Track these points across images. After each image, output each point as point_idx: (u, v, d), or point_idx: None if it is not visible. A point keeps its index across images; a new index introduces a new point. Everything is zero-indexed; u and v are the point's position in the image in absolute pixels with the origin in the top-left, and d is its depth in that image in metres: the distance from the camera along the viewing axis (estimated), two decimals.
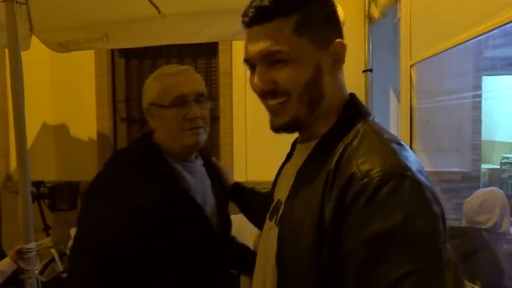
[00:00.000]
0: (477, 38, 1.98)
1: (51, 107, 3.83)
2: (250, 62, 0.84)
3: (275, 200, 0.94)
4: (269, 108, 0.85)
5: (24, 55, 3.07)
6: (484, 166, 5.03)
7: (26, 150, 1.81)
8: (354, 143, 0.77)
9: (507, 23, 1.68)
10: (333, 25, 0.85)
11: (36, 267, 1.87)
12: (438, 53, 2.26)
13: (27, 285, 1.79)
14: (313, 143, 0.85)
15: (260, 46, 0.81)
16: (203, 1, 2.58)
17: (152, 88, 1.27)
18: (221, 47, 3.69)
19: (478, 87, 3.73)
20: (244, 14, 0.83)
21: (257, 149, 3.61)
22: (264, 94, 0.84)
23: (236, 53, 3.61)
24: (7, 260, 2.03)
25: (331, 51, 0.83)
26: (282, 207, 0.87)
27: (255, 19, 0.82)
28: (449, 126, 3.82)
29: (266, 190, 2.94)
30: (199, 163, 1.37)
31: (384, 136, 0.78)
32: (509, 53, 3.70)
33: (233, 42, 3.59)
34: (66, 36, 2.95)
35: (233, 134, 3.71)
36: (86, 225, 1.14)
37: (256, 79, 0.83)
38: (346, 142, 0.78)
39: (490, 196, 2.14)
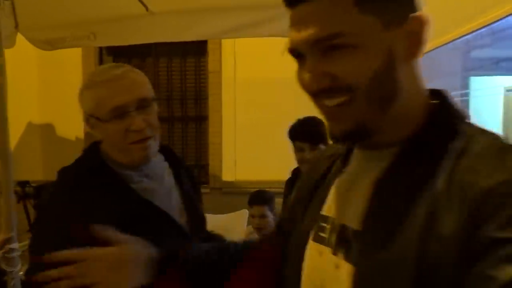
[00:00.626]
0: (464, 37, 2.02)
1: (37, 106, 3.78)
2: (297, 51, 0.64)
3: (333, 223, 0.70)
4: (326, 111, 0.65)
5: (9, 52, 3.05)
6: None
7: (9, 149, 1.77)
8: (474, 149, 0.59)
9: (492, 22, 1.72)
10: None
11: (19, 268, 1.82)
12: (425, 52, 2.28)
13: (10, 287, 1.75)
14: (392, 150, 0.65)
15: (311, 29, 0.61)
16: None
17: (86, 98, 1.14)
18: (210, 46, 3.68)
19: (466, 86, 3.77)
20: None
21: (247, 149, 3.60)
22: (319, 93, 0.63)
23: (226, 52, 3.60)
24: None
25: (407, 29, 0.62)
26: (357, 237, 0.64)
27: None
28: None
29: (256, 189, 2.92)
30: (158, 161, 1.25)
31: (501, 140, 0.61)
32: (495, 53, 3.74)
33: (223, 41, 3.57)
34: (52, 33, 2.92)
35: (222, 133, 3.69)
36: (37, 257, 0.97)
37: (307, 74, 0.63)
38: (457, 148, 0.60)
39: None
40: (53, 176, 2.64)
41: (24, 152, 3.64)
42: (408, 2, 0.62)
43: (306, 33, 0.61)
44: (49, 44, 2.94)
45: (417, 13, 0.61)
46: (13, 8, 2.80)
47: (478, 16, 1.79)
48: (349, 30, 0.59)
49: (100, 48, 3.80)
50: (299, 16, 0.62)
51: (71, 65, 3.71)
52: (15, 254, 1.76)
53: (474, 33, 1.90)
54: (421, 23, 0.61)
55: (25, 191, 3.35)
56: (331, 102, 0.62)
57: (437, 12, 2.21)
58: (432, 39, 2.18)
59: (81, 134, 3.72)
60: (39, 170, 3.67)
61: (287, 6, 0.64)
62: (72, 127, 3.73)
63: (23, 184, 3.35)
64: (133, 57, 3.92)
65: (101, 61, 3.83)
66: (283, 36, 2.75)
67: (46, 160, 3.72)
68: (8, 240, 1.76)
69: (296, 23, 0.63)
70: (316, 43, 0.61)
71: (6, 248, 1.75)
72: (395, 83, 0.62)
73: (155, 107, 1.17)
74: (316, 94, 0.63)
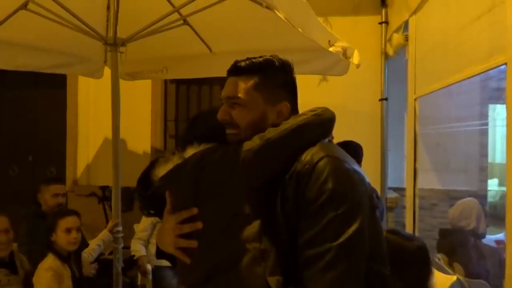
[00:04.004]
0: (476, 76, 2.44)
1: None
2: (223, 99, 1.19)
3: None
4: (227, 136, 1.18)
5: (97, 82, 3.79)
6: (500, 188, 5.38)
7: (119, 160, 2.41)
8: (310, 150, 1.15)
9: (490, 69, 2.15)
10: (286, 90, 1.18)
11: (122, 246, 2.48)
12: (437, 89, 2.78)
13: (115, 259, 2.40)
14: None
15: (228, 91, 1.16)
16: (247, 42, 3.17)
17: None
18: None
19: (485, 115, 4.18)
20: (229, 67, 1.19)
21: None
22: (224, 124, 1.17)
23: None
24: (105, 231, 2.67)
25: (277, 108, 1.16)
26: None
27: (231, 71, 1.18)
28: (459, 149, 4.26)
29: None
30: None
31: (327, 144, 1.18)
32: None
33: None
34: (133, 67, 3.58)
35: None
36: None
37: (221, 111, 1.18)
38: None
39: (468, 204, 2.62)
40: (124, 183, 3.27)
41: (102, 163, 4.37)
42: (286, 93, 1.18)
43: (226, 92, 1.17)
44: (130, 76, 3.65)
45: (284, 103, 1.16)
46: (106, 48, 3.51)
47: (479, 62, 2.22)
48: (243, 97, 1.14)
49: None
50: (228, 82, 1.18)
51: (141, 91, 4.41)
52: (120, 235, 2.43)
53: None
54: (287, 108, 1.17)
55: (105, 195, 4.04)
56: (229, 131, 1.18)
57: (447, 57, 2.67)
58: (442, 80, 2.66)
59: (148, 148, 4.42)
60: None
61: (228, 75, 1.19)
62: (141, 142, 4.42)
63: (104, 188, 4.04)
64: (192, 84, 4.60)
65: (165, 88, 4.54)
66: (312, 74, 3.27)
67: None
68: (116, 225, 2.44)
69: (226, 85, 1.19)
70: (227, 98, 1.17)
71: (114, 230, 2.42)
72: (263, 127, 1.13)
73: None
74: (224, 124, 1.18)
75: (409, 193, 3.12)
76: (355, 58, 2.75)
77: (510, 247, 1.77)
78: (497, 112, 4.42)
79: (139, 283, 3.35)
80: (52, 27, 2.31)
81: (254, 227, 1.05)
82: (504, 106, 1.85)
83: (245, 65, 1.16)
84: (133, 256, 3.28)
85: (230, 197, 1.09)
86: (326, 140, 1.14)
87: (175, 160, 1.20)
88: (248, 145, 1.10)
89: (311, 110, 1.15)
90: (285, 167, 1.07)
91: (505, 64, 1.76)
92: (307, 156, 1.05)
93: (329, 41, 2.58)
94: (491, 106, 4.27)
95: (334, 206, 0.98)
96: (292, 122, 1.12)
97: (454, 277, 2.22)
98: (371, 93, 3.94)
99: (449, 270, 2.33)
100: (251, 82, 1.14)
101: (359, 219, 0.99)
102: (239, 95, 1.14)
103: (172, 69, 3.54)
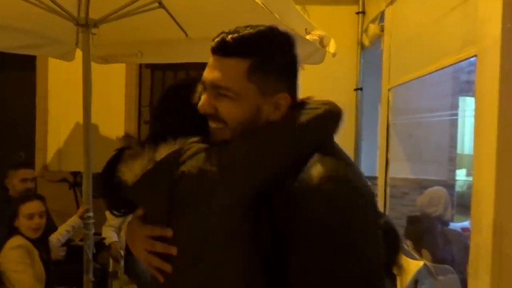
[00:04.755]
0: (446, 68, 2.52)
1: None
2: (203, 84, 0.93)
3: None
4: (210, 128, 0.94)
5: (68, 65, 3.68)
6: (468, 178, 5.56)
7: (90, 146, 2.36)
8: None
9: (464, 59, 2.21)
10: (285, 77, 0.91)
11: (92, 232, 2.44)
12: (411, 80, 2.83)
13: (86, 246, 2.36)
14: None
15: (214, 75, 0.89)
16: (222, 28, 3.14)
17: None
18: None
19: (455, 106, 4.30)
20: (213, 41, 0.90)
21: None
22: (207, 116, 0.92)
23: None
24: (75, 217, 2.63)
25: (274, 100, 0.90)
26: None
27: (216, 49, 0.89)
28: (430, 140, 4.37)
29: None
30: None
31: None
32: None
33: None
34: (106, 50, 3.50)
35: None
36: None
37: (203, 100, 0.92)
38: None
39: (436, 193, 2.72)
40: (96, 169, 3.22)
41: (73, 148, 4.27)
42: (285, 81, 0.92)
43: (209, 76, 0.90)
44: (103, 59, 3.55)
45: (285, 93, 0.91)
46: (78, 29, 3.41)
47: (453, 53, 2.28)
48: (233, 88, 0.88)
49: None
50: (213, 62, 0.90)
51: (115, 76, 4.32)
52: (91, 221, 2.39)
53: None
54: (286, 100, 0.91)
55: (76, 180, 3.96)
56: (213, 125, 0.93)
57: (421, 48, 2.73)
58: (415, 70, 2.73)
59: (121, 134, 4.34)
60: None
61: (211, 52, 0.90)
62: (114, 128, 4.34)
63: (75, 174, 3.96)
64: (167, 70, 4.54)
65: (140, 72, 4.46)
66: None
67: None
68: (86, 210, 2.40)
69: (208, 66, 0.91)
70: (211, 85, 0.90)
71: (85, 216, 2.38)
72: (255, 126, 0.90)
73: None
74: (205, 116, 0.93)
75: (380, 182, 3.19)
76: (331, 47, 2.76)
77: (475, 234, 1.83)
78: (467, 104, 4.55)
79: (110, 269, 3.32)
80: (21, 6, 2.22)
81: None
82: (473, 98, 1.90)
83: (235, 44, 0.88)
84: (103, 239, 3.24)
85: (207, 217, 0.88)
86: (330, 141, 0.94)
87: (144, 159, 0.94)
88: (235, 148, 0.89)
89: (315, 107, 0.92)
90: (279, 175, 0.86)
91: (475, 56, 1.81)
92: (307, 171, 0.83)
93: (306, 29, 2.58)
94: (461, 98, 4.39)
95: (331, 239, 0.81)
96: (294, 118, 0.90)
97: (421, 263, 2.29)
98: (346, 83, 3.98)
99: (417, 256, 2.41)
100: (243, 68, 0.88)
101: (360, 251, 0.82)
102: (228, 84, 0.88)
103: (147, 54, 3.47)
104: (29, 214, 2.36)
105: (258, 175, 0.87)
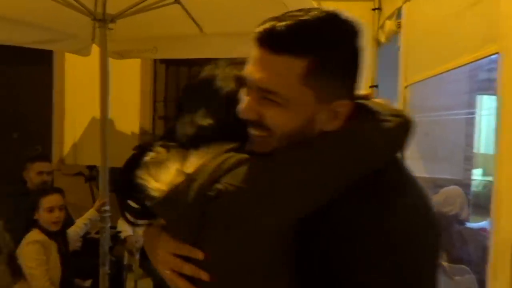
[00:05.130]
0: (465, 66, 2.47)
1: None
2: (249, 84, 0.75)
3: None
4: (251, 135, 0.77)
5: (84, 60, 3.71)
6: (484, 178, 5.47)
7: (106, 141, 2.39)
8: None
9: (482, 58, 2.17)
10: (347, 78, 0.74)
11: (109, 225, 2.47)
12: (428, 77, 2.79)
13: (102, 239, 2.39)
14: None
15: (260, 75, 0.72)
16: (237, 24, 3.14)
17: None
18: None
19: (473, 105, 4.23)
20: (258, 28, 0.72)
21: None
22: (249, 122, 0.76)
23: None
24: (92, 210, 2.66)
25: (332, 108, 0.73)
26: None
27: (265, 41, 0.71)
28: (446, 138, 4.31)
29: None
30: None
31: None
32: None
33: None
34: (122, 46, 3.52)
35: None
36: None
37: (245, 104, 0.75)
38: None
39: (452, 192, 2.68)
40: (111, 163, 3.26)
41: (89, 143, 4.32)
42: (348, 84, 0.74)
43: (255, 75, 0.72)
44: (119, 54, 3.58)
45: (345, 100, 0.73)
46: (94, 24, 3.44)
47: (471, 51, 2.24)
48: (284, 93, 0.71)
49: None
50: (260, 57, 0.72)
51: (130, 70, 4.35)
52: (107, 214, 2.42)
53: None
54: (347, 108, 0.73)
55: (92, 174, 4.01)
56: (254, 132, 0.75)
57: (439, 46, 2.71)
58: (432, 68, 2.70)
59: (136, 129, 4.38)
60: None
61: (256, 43, 0.71)
62: (129, 123, 4.38)
63: (91, 168, 4.01)
64: (182, 65, 4.55)
65: (155, 68, 4.49)
66: None
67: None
68: (103, 204, 2.43)
69: (254, 60, 0.73)
70: (257, 87, 0.73)
71: (102, 209, 2.41)
72: (305, 135, 0.74)
73: None
74: (247, 122, 0.76)
75: None
76: None
77: (495, 234, 1.80)
78: (484, 102, 4.47)
79: (125, 262, 3.35)
80: (38, 1, 2.25)
81: None
82: (491, 96, 1.87)
83: (291, 38, 0.69)
84: (119, 232, 3.28)
85: (245, 242, 0.75)
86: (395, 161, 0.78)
87: (171, 168, 0.80)
88: (283, 163, 0.73)
89: (381, 118, 0.75)
90: (333, 197, 0.71)
91: (498, 53, 1.77)
92: (365, 201, 0.70)
93: None
94: (478, 97, 4.32)
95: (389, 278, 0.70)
96: (356, 132, 0.74)
97: None
98: (362, 80, 3.95)
99: None
100: (299, 69, 0.70)
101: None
102: (278, 88, 0.71)
103: (162, 49, 3.50)
104: (49, 208, 2.40)
105: (309, 199, 0.72)
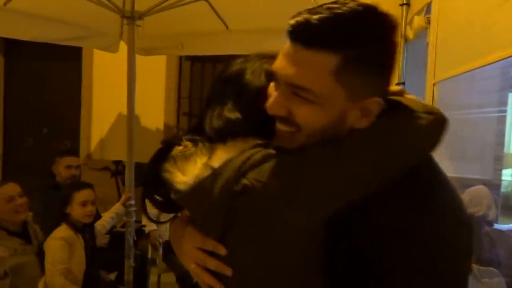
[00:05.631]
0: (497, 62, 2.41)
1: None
2: (279, 79, 0.74)
3: None
4: (278, 130, 0.76)
5: (111, 56, 3.78)
6: None
7: (132, 136, 2.43)
8: None
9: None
10: (380, 75, 0.72)
11: (134, 219, 2.51)
12: (458, 74, 2.71)
13: (127, 232, 2.44)
14: None
15: (291, 71, 0.70)
16: (263, 20, 3.13)
17: None
18: None
19: (504, 103, 4.09)
20: (291, 21, 0.70)
21: None
22: (277, 118, 0.75)
23: None
24: (118, 204, 2.72)
25: (363, 105, 0.71)
26: None
27: (297, 35, 0.69)
28: (475, 137, 4.19)
29: None
30: None
31: None
32: None
33: None
34: (149, 42, 3.57)
35: None
36: None
37: (273, 99, 0.74)
38: None
39: (478, 192, 2.61)
40: (137, 159, 3.30)
41: (116, 138, 4.40)
42: (379, 81, 0.72)
43: (286, 71, 0.71)
44: (146, 51, 3.63)
45: (377, 98, 0.71)
46: (122, 21, 3.49)
47: (502, 48, 2.17)
48: (316, 90, 0.69)
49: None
50: (291, 52, 0.70)
51: (156, 67, 4.41)
52: (132, 208, 2.46)
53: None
54: (377, 106, 0.71)
55: (118, 169, 4.08)
56: (283, 127, 0.75)
57: (469, 41, 2.64)
58: (462, 65, 2.64)
59: (161, 125, 4.44)
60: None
61: (288, 37, 0.70)
62: (154, 119, 4.44)
63: (117, 163, 4.08)
64: (207, 62, 4.58)
65: (180, 64, 4.53)
66: None
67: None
68: (129, 198, 2.47)
69: (285, 55, 0.71)
70: (287, 83, 0.72)
71: (127, 203, 2.45)
72: (335, 133, 0.72)
73: None
74: (275, 117, 0.76)
75: None
76: None
77: None
78: None
79: (149, 256, 3.41)
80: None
81: None
82: None
83: (325, 32, 0.67)
84: (143, 226, 3.33)
85: (271, 240, 0.74)
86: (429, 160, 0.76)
87: (198, 162, 0.79)
88: (313, 159, 0.71)
89: (413, 115, 0.73)
90: (367, 196, 0.70)
91: None
92: (397, 201, 0.69)
93: None
94: (510, 95, 4.18)
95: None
96: (388, 129, 0.72)
97: None
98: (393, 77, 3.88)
99: None
100: (332, 64, 0.68)
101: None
102: (309, 85, 0.70)
103: (188, 46, 3.52)
104: (83, 202, 2.46)
105: (339, 197, 0.71)
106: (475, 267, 2.24)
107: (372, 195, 0.69)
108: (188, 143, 0.84)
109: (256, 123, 0.80)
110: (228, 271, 0.79)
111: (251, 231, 0.75)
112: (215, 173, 0.76)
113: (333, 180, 0.70)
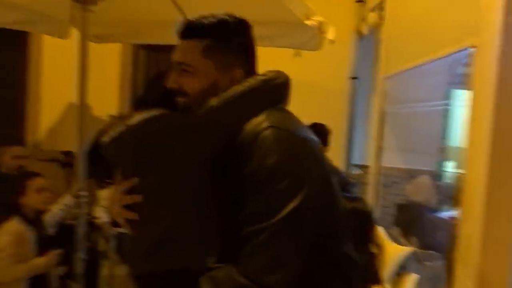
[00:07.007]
0: (441, 58, 2.53)
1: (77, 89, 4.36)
2: (173, 64, 1.09)
3: None
4: (178, 102, 1.10)
5: (62, 43, 3.61)
6: (455, 170, 5.62)
7: (84, 127, 2.34)
8: None
9: (459, 51, 2.23)
10: (240, 54, 1.08)
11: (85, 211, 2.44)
12: (407, 69, 2.85)
13: (78, 225, 2.36)
14: None
15: (178, 55, 1.07)
16: (221, 11, 3.12)
17: None
18: None
19: (447, 98, 4.32)
20: (179, 26, 1.09)
21: None
22: (173, 91, 1.09)
23: None
24: (67, 195, 2.63)
25: (231, 75, 1.07)
26: None
27: (181, 33, 1.08)
28: (420, 130, 4.40)
29: None
30: None
31: None
32: None
33: None
34: (103, 29, 3.43)
35: None
36: None
37: (170, 78, 1.09)
38: None
39: (421, 181, 2.80)
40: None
41: (65, 128, 4.22)
42: (242, 58, 1.09)
43: (176, 55, 1.09)
44: (99, 38, 3.49)
45: (240, 69, 1.08)
46: (73, 5, 3.33)
47: (448, 45, 2.30)
48: (191, 64, 1.06)
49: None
50: (179, 44, 1.09)
51: (110, 55, 4.25)
52: (83, 199, 2.38)
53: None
54: (240, 75, 1.08)
55: (68, 160, 3.91)
56: (179, 100, 1.09)
57: (418, 39, 2.76)
58: (411, 60, 2.76)
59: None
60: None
61: (177, 35, 1.09)
62: (107, 109, 4.29)
63: (67, 153, 3.91)
64: (162, 51, 4.48)
65: (135, 53, 4.40)
66: (287, 47, 3.26)
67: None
68: (79, 189, 2.39)
69: (175, 48, 1.10)
70: (176, 63, 1.08)
71: (78, 195, 2.37)
72: (213, 94, 1.05)
73: None
74: (173, 91, 1.09)
75: (372, 170, 3.21)
76: (330, 34, 2.76)
77: (464, 223, 1.87)
78: (457, 96, 4.57)
79: (100, 249, 3.32)
80: None
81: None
82: (463, 90, 1.91)
83: (195, 27, 1.06)
84: (94, 218, 3.24)
85: (173, 169, 1.03)
86: (279, 106, 1.07)
87: (118, 126, 1.08)
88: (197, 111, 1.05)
89: (262, 74, 1.09)
90: (231, 136, 1.01)
91: (475, 46, 1.82)
92: (251, 125, 0.99)
93: (306, 14, 2.57)
94: (456, 91, 4.41)
95: (274, 182, 0.94)
96: (237, 88, 1.05)
97: (408, 248, 2.34)
98: (341, 71, 3.99)
99: (405, 243, 2.46)
100: (201, 47, 1.05)
101: (301, 194, 0.93)
102: (188, 61, 1.06)
103: (144, 34, 3.44)
104: (38, 189, 2.38)
105: (215, 135, 1.03)
106: (418, 250, 2.37)
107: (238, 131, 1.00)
108: (115, 119, 1.22)
109: (161, 99, 1.12)
110: (138, 198, 1.03)
111: (153, 164, 1.04)
112: (128, 127, 1.07)
113: (201, 126, 1.04)
